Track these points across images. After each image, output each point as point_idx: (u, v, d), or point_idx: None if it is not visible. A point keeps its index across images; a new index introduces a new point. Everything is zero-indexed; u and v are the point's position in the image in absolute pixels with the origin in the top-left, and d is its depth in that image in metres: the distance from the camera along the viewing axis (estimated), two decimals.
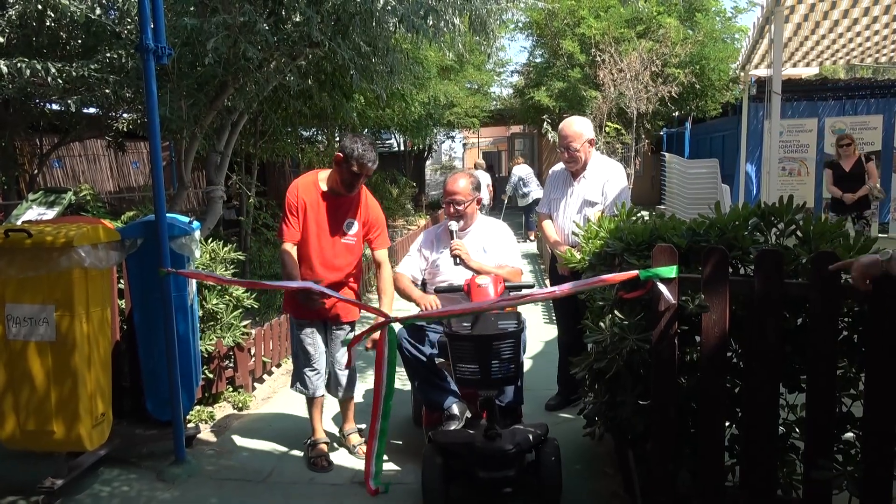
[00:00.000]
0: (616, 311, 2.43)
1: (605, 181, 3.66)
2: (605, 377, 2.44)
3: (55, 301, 2.83)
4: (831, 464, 2.12)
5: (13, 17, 5.43)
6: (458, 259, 3.22)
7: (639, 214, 3.00)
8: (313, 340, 3.34)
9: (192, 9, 5.40)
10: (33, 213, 4.77)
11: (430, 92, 10.62)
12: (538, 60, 15.56)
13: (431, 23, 5.88)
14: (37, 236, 2.80)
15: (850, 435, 2.25)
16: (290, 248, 3.23)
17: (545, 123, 12.20)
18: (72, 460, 3.06)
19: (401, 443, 3.56)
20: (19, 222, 4.42)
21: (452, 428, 2.96)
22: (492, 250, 3.45)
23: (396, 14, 5.56)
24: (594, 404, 2.66)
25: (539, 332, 5.66)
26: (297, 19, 5.28)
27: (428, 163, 22.09)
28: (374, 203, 3.40)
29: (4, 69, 4.95)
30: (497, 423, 2.69)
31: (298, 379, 3.38)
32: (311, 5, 5.25)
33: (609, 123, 10.36)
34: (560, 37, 13.48)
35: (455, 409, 3.05)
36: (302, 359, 3.36)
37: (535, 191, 12.26)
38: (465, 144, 25.81)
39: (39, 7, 5.37)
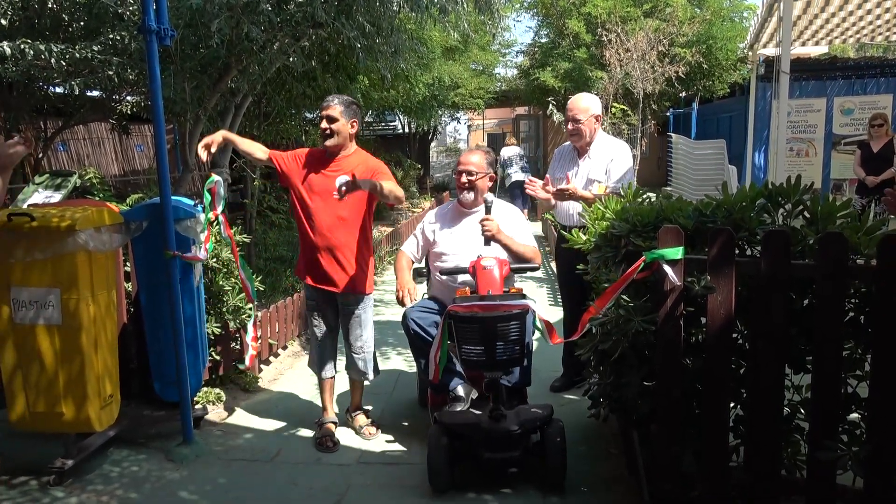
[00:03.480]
0: (621, 293, 2.42)
1: (609, 160, 3.64)
2: (611, 359, 2.44)
3: (60, 284, 2.84)
4: (836, 444, 2.11)
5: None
6: (488, 238, 3.07)
7: (645, 195, 2.98)
8: (320, 322, 3.39)
9: None
10: (39, 196, 4.78)
11: (434, 73, 10.54)
12: (543, 40, 15.38)
13: (437, 2, 5.82)
14: (40, 220, 2.81)
15: (855, 416, 2.25)
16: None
17: (550, 105, 12.10)
18: (81, 441, 3.10)
19: (406, 424, 3.58)
20: (25, 205, 4.43)
21: (458, 409, 2.97)
22: (504, 229, 3.42)
23: None
24: (599, 386, 2.67)
25: (544, 313, 5.66)
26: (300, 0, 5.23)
27: (433, 145, 22.00)
28: (372, 160, 3.34)
29: (8, 50, 4.93)
30: (502, 404, 2.70)
31: (310, 358, 3.49)
32: None
33: (615, 104, 10.26)
34: (566, 16, 13.31)
35: (460, 391, 3.06)
36: (312, 339, 3.44)
37: (515, 173, 12.34)
38: (469, 126, 25.66)
39: None
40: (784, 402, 2.23)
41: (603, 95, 10.35)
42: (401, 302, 3.26)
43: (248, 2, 4.99)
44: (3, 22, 5.30)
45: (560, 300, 4.28)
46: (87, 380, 2.86)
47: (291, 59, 5.76)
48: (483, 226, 3.07)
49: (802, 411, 2.30)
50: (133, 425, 3.37)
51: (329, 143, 3.20)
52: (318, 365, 3.40)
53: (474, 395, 3.11)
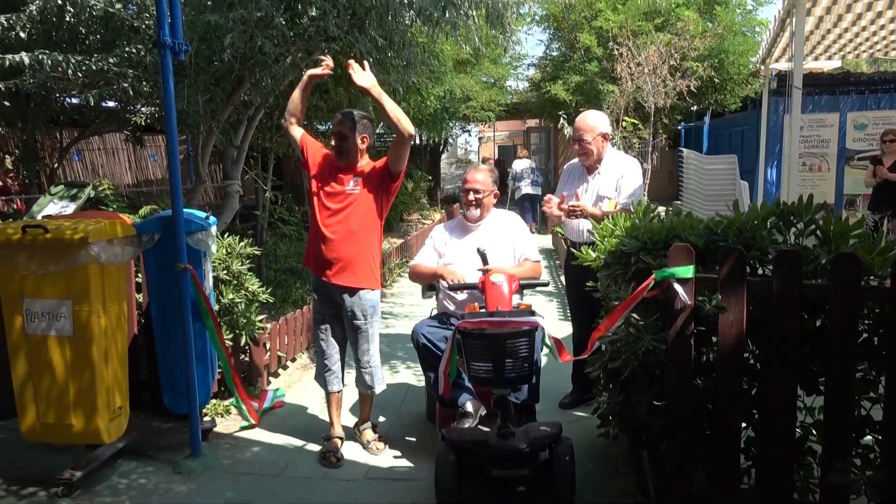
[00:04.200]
0: (631, 311, 2.40)
1: (619, 176, 3.63)
2: (620, 377, 2.42)
3: (73, 296, 2.86)
4: (849, 468, 2.08)
5: (34, 12, 5.48)
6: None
7: (655, 211, 2.97)
8: (326, 337, 3.39)
9: (209, 3, 5.42)
10: (55, 206, 4.84)
11: (445, 86, 10.58)
12: (555, 54, 15.44)
13: (448, 16, 5.86)
14: (54, 232, 2.83)
15: (869, 439, 2.22)
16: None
17: (561, 119, 12.12)
18: (90, 452, 3.10)
19: (414, 439, 3.57)
20: (40, 216, 4.48)
21: (466, 425, 2.96)
22: (509, 243, 3.47)
23: (413, 7, 5.55)
24: (608, 404, 2.65)
25: (554, 328, 5.64)
26: (314, 13, 5.29)
27: (444, 156, 22.05)
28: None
29: (26, 61, 5.01)
30: (511, 421, 2.68)
31: (317, 373, 3.48)
32: (328, 0, 5.25)
33: (626, 118, 10.26)
34: (577, 30, 13.35)
35: (469, 407, 3.05)
36: (319, 354, 3.44)
37: (525, 186, 12.39)
38: (480, 138, 25.72)
39: (60, 1, 5.43)
40: (796, 423, 2.20)
41: (614, 109, 10.35)
42: (453, 286, 3.25)
43: (261, 17, 5.05)
44: (22, 34, 5.39)
45: (569, 315, 4.27)
46: (96, 391, 2.87)
47: (304, 72, 5.81)
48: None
49: (815, 433, 2.27)
50: (142, 437, 3.37)
51: (340, 158, 3.23)
52: (324, 379, 3.40)
53: (483, 411, 3.10)
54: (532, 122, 20.13)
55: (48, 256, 2.84)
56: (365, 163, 3.33)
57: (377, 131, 13.35)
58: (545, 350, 2.87)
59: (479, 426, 2.95)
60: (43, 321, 2.89)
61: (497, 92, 15.69)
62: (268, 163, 7.82)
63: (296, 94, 3.36)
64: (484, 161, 16.10)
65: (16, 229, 2.87)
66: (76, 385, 2.88)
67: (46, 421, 2.92)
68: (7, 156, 7.62)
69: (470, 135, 24.27)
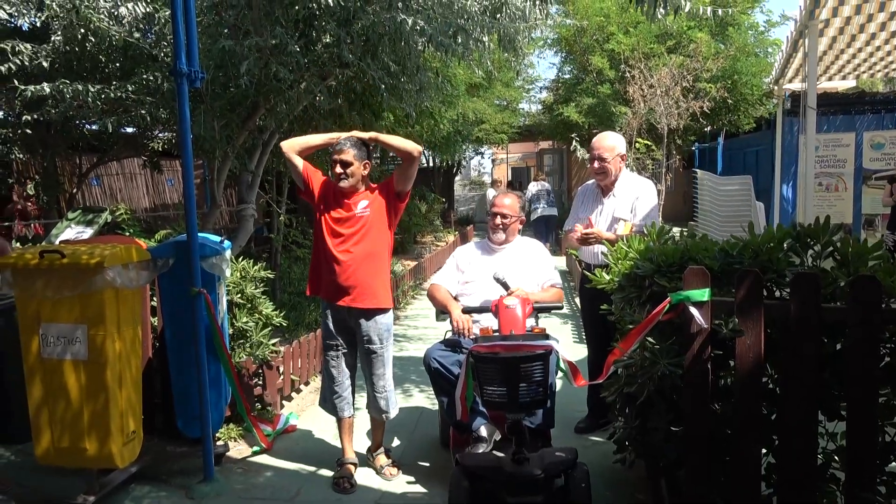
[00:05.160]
0: (647, 335, 2.38)
1: (635, 198, 3.62)
2: (636, 402, 2.38)
3: (88, 320, 2.88)
4: (874, 496, 2.03)
5: (57, 43, 5.62)
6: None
7: (669, 233, 2.95)
8: (337, 364, 3.36)
9: (225, 31, 5.53)
10: (72, 231, 4.91)
11: (458, 109, 10.67)
12: (567, 76, 15.54)
13: (460, 42, 5.93)
14: (70, 257, 2.86)
15: (894, 465, 2.16)
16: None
17: (574, 141, 12.14)
18: (103, 477, 3.10)
19: (428, 464, 3.53)
20: (57, 241, 4.55)
21: (480, 451, 2.92)
22: (533, 268, 3.50)
23: (425, 34, 5.61)
24: (624, 429, 2.60)
25: (568, 351, 5.59)
26: (328, 40, 5.37)
27: (457, 178, 22.15)
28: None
29: (48, 91, 5.13)
30: (526, 446, 2.64)
31: (324, 399, 3.42)
32: (341, 26, 5.33)
33: (639, 139, 10.26)
34: (589, 53, 13.45)
35: (483, 432, 3.01)
36: (327, 380, 3.39)
37: (541, 208, 12.42)
38: (493, 160, 25.83)
39: (82, 32, 5.56)
40: (818, 450, 2.15)
41: (627, 130, 10.37)
42: (461, 332, 3.22)
43: (276, 44, 5.13)
44: (45, 64, 5.52)
45: (584, 338, 4.23)
46: (110, 416, 2.88)
47: (318, 98, 5.89)
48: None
49: (837, 460, 2.21)
50: (155, 461, 3.37)
51: (343, 184, 3.24)
52: (334, 405, 3.36)
53: (497, 436, 3.06)
54: (545, 144, 20.19)
55: (64, 281, 2.87)
56: (369, 185, 3.36)
57: (390, 154, 13.46)
58: (560, 374, 2.83)
59: (494, 451, 2.91)
60: (59, 345, 2.91)
61: (510, 114, 15.79)
62: (282, 186, 7.90)
63: (315, 141, 3.39)
64: (494, 184, 16.14)
65: (34, 255, 2.91)
66: (90, 409, 2.89)
67: (60, 445, 2.92)
68: (28, 181, 7.75)
69: (483, 157, 24.39)
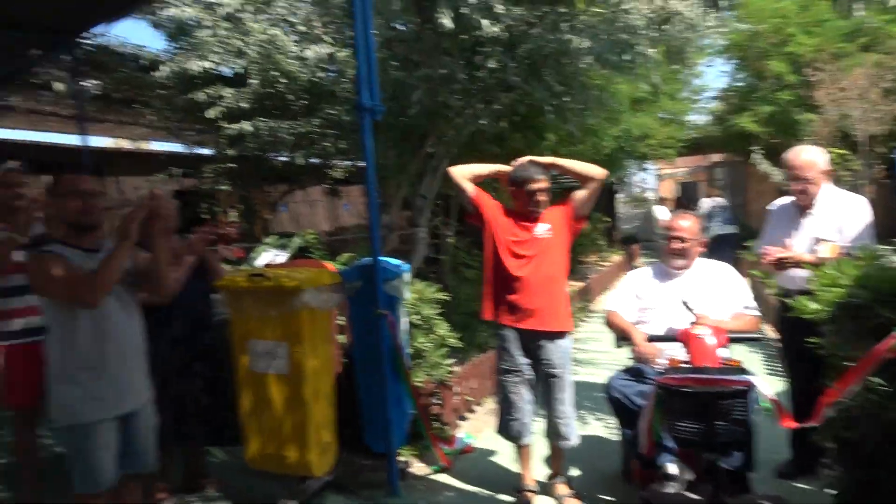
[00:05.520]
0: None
1: (842, 216, 3.23)
2: (861, 450, 2.10)
3: (288, 338, 3.15)
4: None
5: (254, 86, 6.32)
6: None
7: (889, 257, 2.60)
8: (517, 389, 3.31)
9: (396, 64, 5.85)
10: (268, 255, 5.41)
11: (622, 125, 10.37)
12: (740, 84, 14.48)
13: (627, 58, 5.77)
14: (273, 280, 3.16)
15: None
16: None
17: (752, 154, 11.23)
18: (301, 484, 3.35)
19: (610, 498, 3.39)
20: (257, 263, 5.04)
21: (670, 490, 2.74)
22: (721, 293, 3.24)
23: (592, 53, 5.53)
24: (842, 480, 2.31)
25: (764, 385, 5.12)
26: (492, 66, 5.47)
27: (620, 196, 21.48)
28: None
29: (250, 129, 5.79)
30: (723, 491, 2.44)
31: (502, 424, 3.40)
32: (506, 52, 5.42)
33: (833, 149, 9.26)
34: (765, 57, 12.43)
35: (672, 469, 2.83)
36: (506, 405, 3.36)
37: (717, 226, 11.37)
38: (659, 175, 24.70)
39: (273, 74, 6.20)
40: None
41: (816, 140, 9.40)
42: (647, 361, 3.11)
43: (445, 74, 5.32)
44: (246, 106, 6.22)
45: (780, 370, 3.84)
46: (309, 427, 3.11)
47: (484, 122, 6.01)
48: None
49: None
50: (345, 473, 3.57)
51: (540, 210, 3.27)
52: (515, 431, 3.32)
53: (688, 475, 2.86)
54: (716, 157, 18.95)
55: (268, 302, 3.17)
56: (547, 207, 3.34)
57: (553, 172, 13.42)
58: (760, 410, 2.59)
59: (686, 493, 2.72)
60: (263, 360, 3.21)
61: (677, 128, 15.03)
62: (449, 209, 8.14)
63: (483, 171, 3.47)
64: (662, 202, 15.32)
65: (244, 277, 3.25)
66: (291, 420, 3.14)
67: (266, 451, 3.21)
68: (230, 209, 8.73)
69: (647, 172, 23.42)
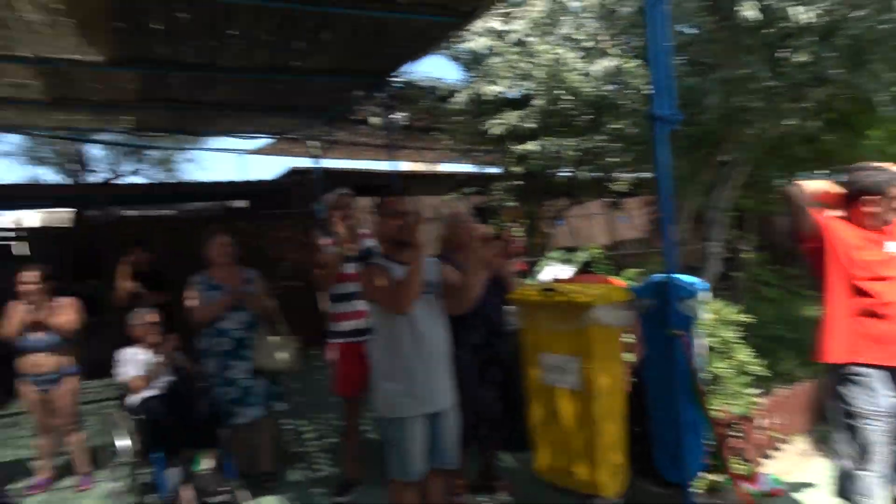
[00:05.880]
0: None
1: None
2: None
3: (579, 354, 3.15)
4: None
5: (539, 106, 6.54)
6: None
7: None
8: (884, 439, 2.75)
9: (688, 68, 5.52)
10: (552, 269, 5.53)
11: None
12: None
13: None
14: (565, 294, 3.19)
15: None
16: None
17: None
18: (589, 501, 3.31)
19: None
20: (540, 278, 5.18)
21: None
22: None
23: None
24: None
25: None
26: (803, 59, 4.84)
27: None
28: None
29: (536, 148, 6.01)
30: None
31: (847, 487, 2.81)
32: (822, 41, 4.75)
33: None
34: None
35: None
36: (862, 461, 2.78)
37: None
38: None
39: (556, 92, 6.34)
40: None
41: None
42: None
43: (744, 74, 4.87)
44: (533, 125, 6.47)
45: None
46: (599, 445, 3.08)
47: (791, 123, 5.35)
48: None
49: None
50: (636, 498, 3.44)
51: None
52: (864, 491, 2.75)
53: None
54: None
55: (560, 316, 3.22)
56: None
57: None
58: None
59: None
60: (555, 374, 3.26)
61: None
62: (747, 221, 7.42)
63: (819, 189, 3.04)
64: None
65: (537, 291, 3.36)
66: (581, 436, 3.14)
67: (555, 464, 3.26)
68: (515, 224, 9.17)
69: None
